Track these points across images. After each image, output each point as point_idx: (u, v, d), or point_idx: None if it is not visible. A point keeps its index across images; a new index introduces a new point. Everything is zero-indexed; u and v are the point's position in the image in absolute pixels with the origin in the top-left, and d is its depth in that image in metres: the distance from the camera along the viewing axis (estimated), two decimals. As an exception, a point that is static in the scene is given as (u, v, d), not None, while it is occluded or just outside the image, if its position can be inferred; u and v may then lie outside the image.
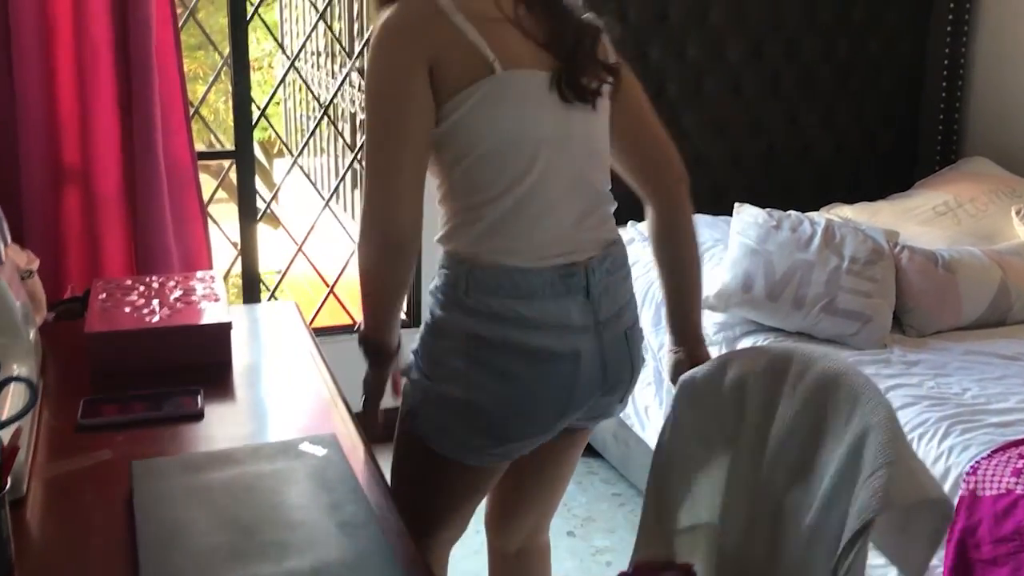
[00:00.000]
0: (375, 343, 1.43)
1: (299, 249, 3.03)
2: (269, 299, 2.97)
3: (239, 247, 2.85)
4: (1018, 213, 2.70)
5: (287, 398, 1.52)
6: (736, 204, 2.62)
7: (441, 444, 1.41)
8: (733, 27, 3.08)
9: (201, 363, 1.51)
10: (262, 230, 3.00)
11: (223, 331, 1.54)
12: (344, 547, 1.02)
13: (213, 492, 1.12)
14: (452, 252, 1.38)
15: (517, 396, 1.36)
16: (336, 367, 1.62)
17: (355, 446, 1.31)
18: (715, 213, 2.84)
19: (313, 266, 3.10)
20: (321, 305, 3.14)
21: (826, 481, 1.28)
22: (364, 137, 1.39)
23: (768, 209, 2.53)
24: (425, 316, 1.43)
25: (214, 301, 1.64)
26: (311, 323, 3.11)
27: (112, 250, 2.45)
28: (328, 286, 3.09)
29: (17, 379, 1.06)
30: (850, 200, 3.03)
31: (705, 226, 2.69)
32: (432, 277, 1.43)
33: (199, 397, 1.40)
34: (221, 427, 1.35)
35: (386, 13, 1.30)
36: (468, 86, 1.29)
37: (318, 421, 1.43)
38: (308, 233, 3.03)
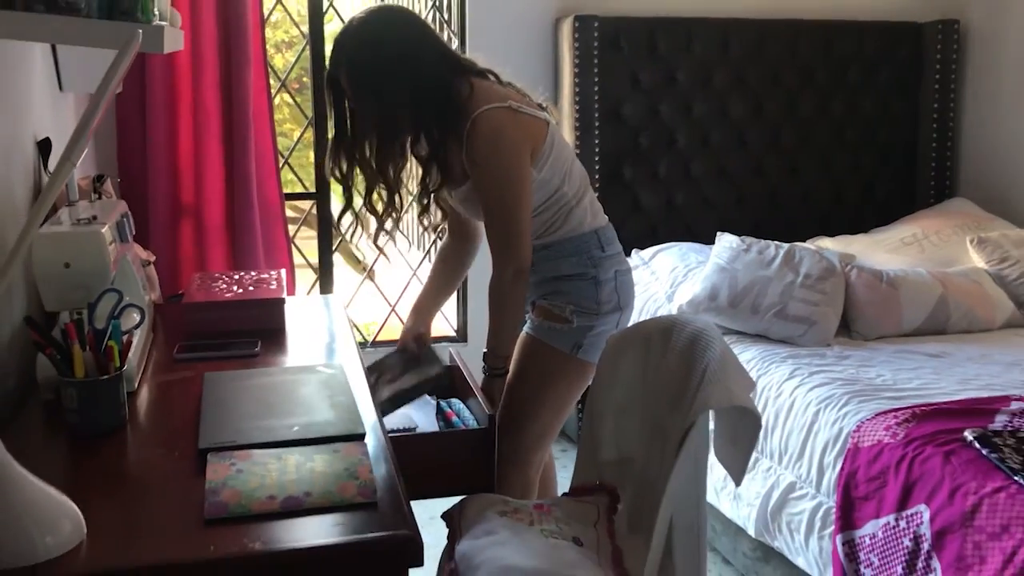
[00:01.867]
0: (504, 356, 2.03)
1: (392, 309, 3.66)
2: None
3: (317, 271, 3.50)
4: (971, 241, 3.09)
5: (320, 349, 2.11)
6: (718, 233, 3.11)
7: (596, 355, 1.99)
8: (735, 88, 3.60)
9: (262, 328, 2.12)
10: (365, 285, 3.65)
11: (278, 305, 2.15)
12: (328, 414, 1.59)
13: (252, 388, 1.71)
14: (574, 234, 2.05)
15: (632, 300, 2.13)
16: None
17: (356, 372, 1.88)
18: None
19: (378, 287, 3.73)
20: (384, 322, 3.75)
21: (684, 404, 1.78)
22: (493, 199, 1.96)
23: (743, 236, 3.02)
24: (579, 284, 2.05)
25: (276, 287, 2.26)
26: (377, 334, 3.73)
27: (217, 269, 3.14)
28: (390, 305, 3.71)
29: (131, 305, 1.68)
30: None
31: (695, 252, 3.19)
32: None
33: (257, 346, 2.00)
34: (271, 362, 1.95)
35: (489, 118, 1.91)
36: (544, 142, 1.97)
37: (337, 359, 2.01)
38: (400, 295, 3.66)
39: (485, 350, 2.05)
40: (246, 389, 1.71)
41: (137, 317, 1.68)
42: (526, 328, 2.13)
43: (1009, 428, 2.06)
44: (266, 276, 2.35)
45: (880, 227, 3.48)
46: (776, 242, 2.99)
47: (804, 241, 3.40)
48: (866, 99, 3.73)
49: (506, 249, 1.95)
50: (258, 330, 2.12)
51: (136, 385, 1.76)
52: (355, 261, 7.92)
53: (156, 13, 1.54)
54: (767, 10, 3.63)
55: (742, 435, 1.73)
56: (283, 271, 2.41)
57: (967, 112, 3.71)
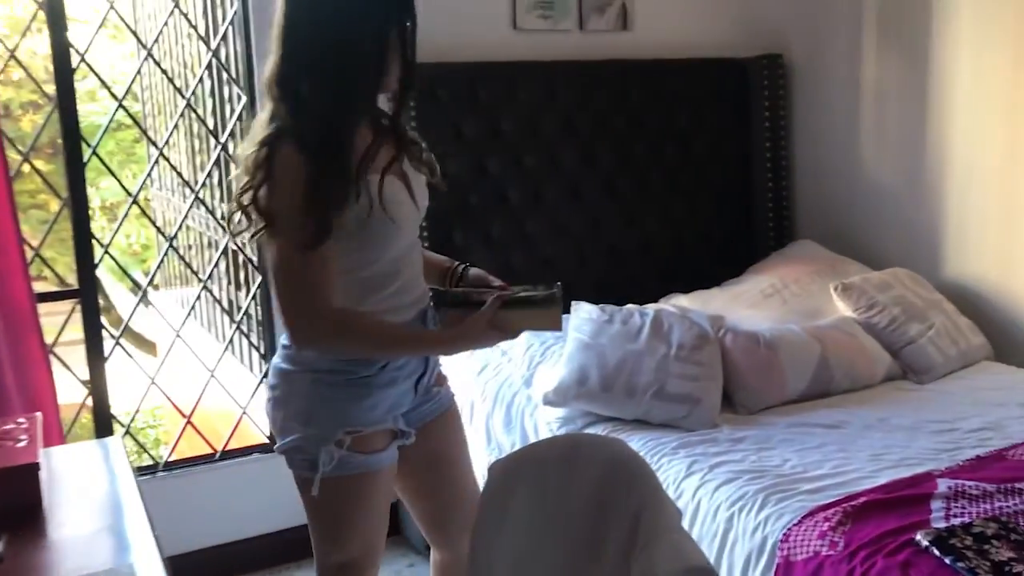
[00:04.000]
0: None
1: (152, 381, 3.02)
2: (124, 435, 2.93)
3: (89, 386, 2.82)
4: (835, 289, 2.89)
5: (101, 539, 1.51)
6: (573, 303, 2.74)
7: None
8: (565, 136, 3.27)
9: (7, 511, 1.50)
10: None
11: (29, 475, 1.54)
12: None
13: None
14: None
15: None
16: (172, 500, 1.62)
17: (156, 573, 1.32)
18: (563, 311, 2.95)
19: (168, 397, 3.09)
20: (179, 436, 3.11)
21: (610, 557, 1.35)
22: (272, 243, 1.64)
23: (601, 305, 2.66)
24: None
25: (27, 443, 1.63)
26: (171, 453, 3.08)
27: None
28: (184, 416, 3.07)
29: None
30: (689, 289, 3.20)
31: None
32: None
33: (1, 543, 1.39)
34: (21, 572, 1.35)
35: None
36: None
37: (120, 555, 1.43)
38: (163, 360, 3.02)
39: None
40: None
41: None
42: (443, 408, 1.92)
43: (961, 523, 1.77)
44: (10, 426, 1.72)
45: (732, 279, 3.23)
46: (638, 308, 2.65)
47: (656, 299, 3.10)
48: (698, 141, 3.51)
49: (283, 316, 1.70)
50: (1, 510, 1.51)
51: None
52: (144, 343, 7.09)
53: None
54: (592, 52, 3.33)
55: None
56: (38, 416, 1.78)
57: (798, 149, 3.57)
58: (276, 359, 1.77)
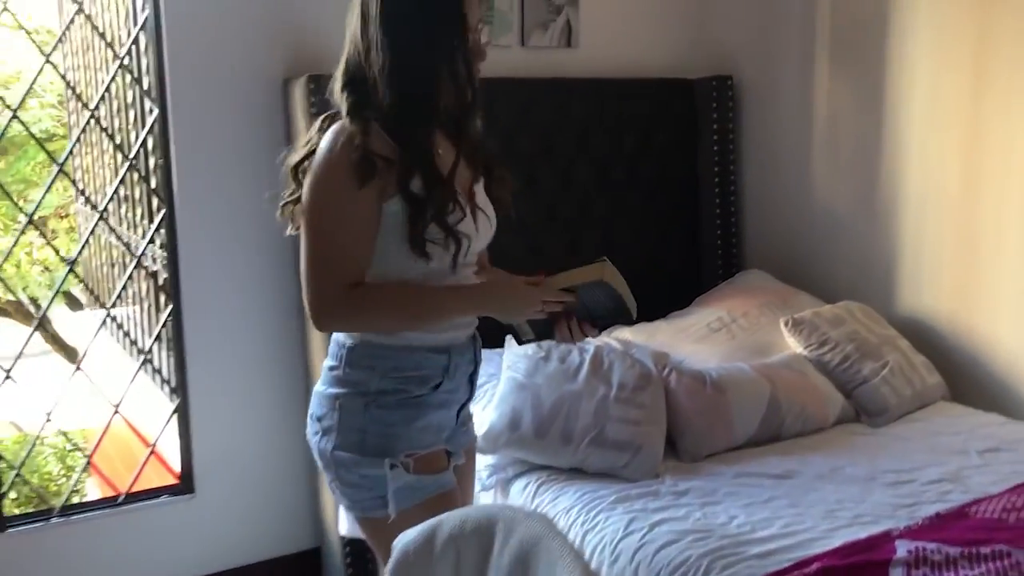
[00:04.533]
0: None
1: (48, 418, 2.75)
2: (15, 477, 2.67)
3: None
4: (786, 324, 2.73)
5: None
6: (507, 337, 2.54)
7: None
8: (506, 156, 3.07)
9: None
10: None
11: None
12: None
13: None
14: None
15: None
16: None
17: None
18: (496, 345, 2.76)
19: (65, 433, 2.82)
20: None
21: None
22: (307, 233, 1.63)
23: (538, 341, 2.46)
24: None
25: None
26: (67, 498, 2.81)
27: None
28: (86, 455, 2.81)
29: None
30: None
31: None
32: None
33: None
34: None
35: None
36: None
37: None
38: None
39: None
40: None
41: None
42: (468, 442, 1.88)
43: (923, 596, 1.60)
44: None
45: (678, 311, 3.06)
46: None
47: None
48: (644, 163, 3.34)
49: (308, 299, 1.65)
50: None
51: None
52: (63, 349, 6.74)
53: None
54: (534, 69, 3.16)
55: None
56: None
57: (748, 175, 3.42)
58: (321, 385, 1.68)
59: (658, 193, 3.38)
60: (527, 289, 1.64)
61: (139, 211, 3.89)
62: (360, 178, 1.50)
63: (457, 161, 1.59)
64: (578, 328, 1.70)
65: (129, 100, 3.77)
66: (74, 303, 7.45)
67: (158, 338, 3.12)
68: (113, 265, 5.32)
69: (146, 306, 4.22)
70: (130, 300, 4.15)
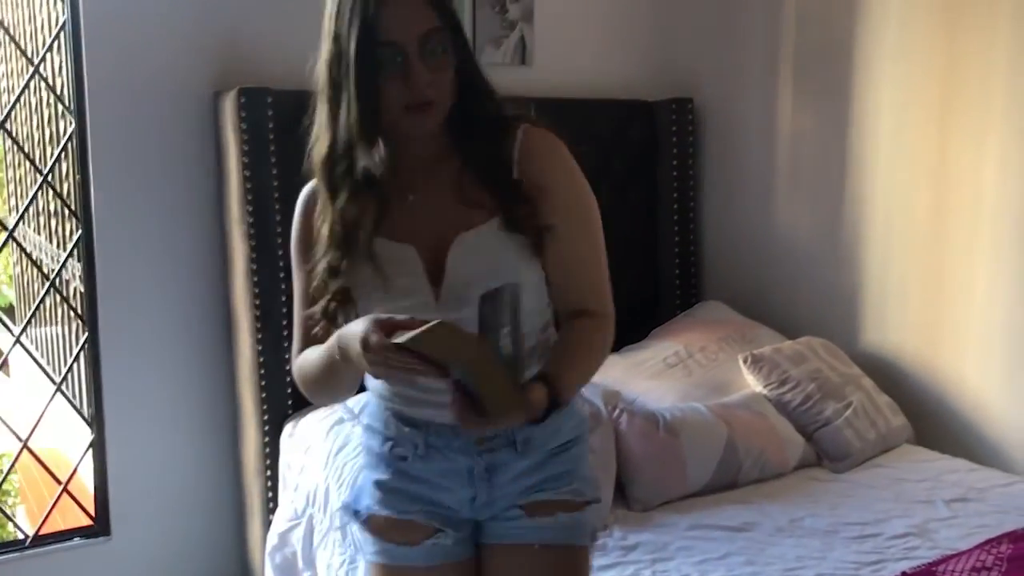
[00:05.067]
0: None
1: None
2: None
3: None
4: (745, 361, 2.59)
5: None
6: (451, 372, 2.37)
7: None
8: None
9: None
10: None
11: None
12: None
13: None
14: None
15: None
16: None
17: None
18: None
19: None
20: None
21: None
22: (592, 228, 1.52)
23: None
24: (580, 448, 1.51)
25: None
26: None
27: None
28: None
29: None
30: (587, 354, 2.86)
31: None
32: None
33: None
34: None
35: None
36: None
37: None
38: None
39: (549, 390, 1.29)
40: None
41: None
42: (522, 539, 1.42)
43: None
44: None
45: (632, 344, 2.90)
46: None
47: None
48: (601, 187, 3.15)
49: (610, 307, 1.51)
50: None
51: None
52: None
53: None
54: (485, 85, 3.00)
55: None
56: None
57: (707, 201, 3.29)
58: None
59: (615, 219, 3.17)
60: (357, 340, 1.22)
61: (68, 226, 3.67)
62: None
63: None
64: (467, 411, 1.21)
65: (46, 112, 3.57)
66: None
67: (77, 361, 2.90)
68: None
69: (66, 329, 4.00)
70: (56, 320, 3.92)
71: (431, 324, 1.12)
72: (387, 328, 1.19)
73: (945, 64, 2.53)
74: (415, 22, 1.26)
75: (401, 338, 1.15)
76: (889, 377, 2.67)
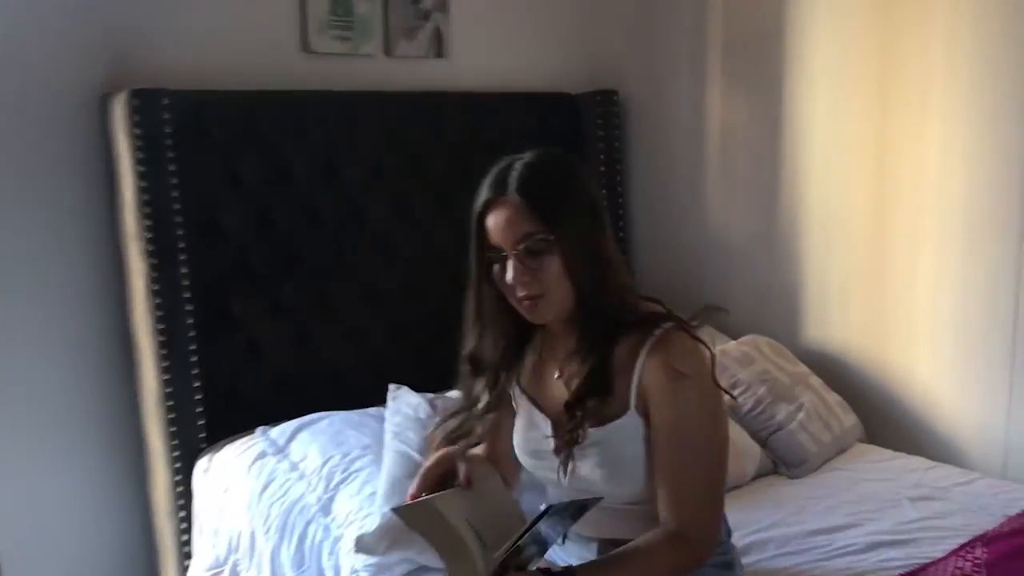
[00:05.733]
0: None
1: None
2: None
3: None
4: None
5: None
6: (391, 387, 2.19)
7: None
8: (372, 180, 2.71)
9: None
10: None
11: None
12: None
13: None
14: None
15: None
16: None
17: None
18: (369, 404, 2.38)
19: None
20: None
21: None
22: (700, 441, 1.47)
23: (429, 395, 2.13)
24: None
25: None
26: None
27: None
28: None
29: None
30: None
31: (355, 427, 2.20)
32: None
33: None
34: None
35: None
36: None
37: None
38: None
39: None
40: None
41: None
42: None
43: None
44: None
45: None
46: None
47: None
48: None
49: (704, 524, 1.47)
50: None
51: None
52: None
53: None
54: (401, 81, 2.80)
55: None
56: None
57: (637, 197, 3.17)
58: None
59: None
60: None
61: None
62: None
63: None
64: None
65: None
66: None
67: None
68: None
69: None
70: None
71: (420, 501, 1.28)
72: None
73: (881, 47, 2.46)
74: (513, 228, 1.45)
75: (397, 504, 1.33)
76: (835, 374, 2.60)
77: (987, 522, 1.98)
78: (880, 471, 2.29)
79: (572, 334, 1.54)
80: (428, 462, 1.52)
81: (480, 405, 1.62)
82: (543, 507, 1.39)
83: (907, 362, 2.49)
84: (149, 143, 2.26)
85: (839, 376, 2.60)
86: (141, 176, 2.26)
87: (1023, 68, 2.18)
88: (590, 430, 1.47)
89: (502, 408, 1.65)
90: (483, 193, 1.52)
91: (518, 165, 1.52)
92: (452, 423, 1.68)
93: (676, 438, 1.45)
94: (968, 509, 2.06)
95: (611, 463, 1.48)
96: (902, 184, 2.45)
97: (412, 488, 1.48)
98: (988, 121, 2.26)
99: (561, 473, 1.51)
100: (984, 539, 1.90)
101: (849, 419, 2.47)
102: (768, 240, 2.78)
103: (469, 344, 1.60)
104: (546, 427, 1.57)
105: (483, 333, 1.58)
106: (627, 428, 1.47)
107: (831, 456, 2.37)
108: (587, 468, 1.49)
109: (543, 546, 1.35)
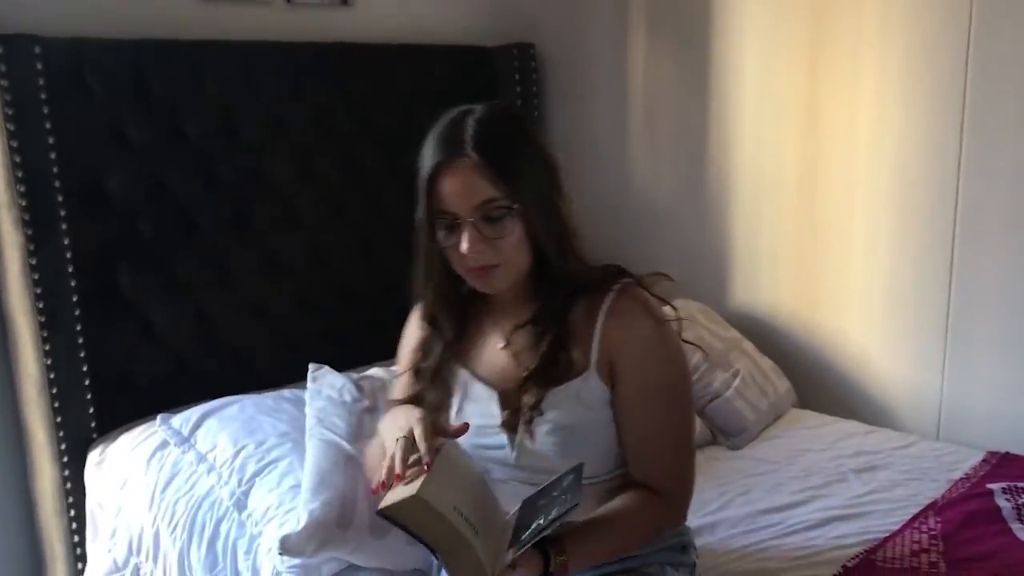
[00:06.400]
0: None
1: None
2: None
3: None
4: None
5: None
6: (311, 367, 2.00)
7: None
8: (273, 139, 2.48)
9: None
10: None
11: None
12: None
13: None
14: None
15: None
16: None
17: None
18: (278, 385, 2.19)
19: None
20: None
21: None
22: (664, 407, 1.40)
23: (353, 374, 1.95)
24: None
25: None
26: None
27: None
28: None
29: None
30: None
31: (268, 413, 1.99)
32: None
33: None
34: None
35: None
36: None
37: None
38: None
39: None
40: None
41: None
42: None
43: None
44: None
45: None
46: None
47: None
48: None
49: (683, 480, 1.42)
50: None
51: None
52: None
53: None
54: (302, 31, 2.57)
55: None
56: None
57: (557, 156, 3.01)
58: None
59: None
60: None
61: None
62: None
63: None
64: None
65: None
66: None
67: None
68: None
69: None
70: None
71: (409, 496, 1.14)
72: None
73: (813, 5, 2.38)
74: (471, 193, 1.31)
75: (383, 504, 1.18)
76: (766, 339, 2.54)
77: (933, 488, 1.95)
78: (818, 439, 2.24)
79: (524, 303, 1.43)
80: (417, 429, 1.28)
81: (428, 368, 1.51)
82: (544, 485, 1.25)
83: (839, 325, 2.45)
84: (20, 98, 1.99)
85: (770, 340, 2.54)
86: (11, 135, 1.99)
87: (957, 30, 2.12)
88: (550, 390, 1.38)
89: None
90: (433, 153, 1.35)
91: (471, 121, 1.35)
92: (409, 390, 1.54)
93: (649, 395, 1.38)
94: (913, 477, 2.02)
95: (564, 429, 1.36)
96: (834, 145, 2.39)
97: (425, 460, 1.23)
98: (921, 82, 2.20)
99: (509, 448, 1.39)
100: (935, 508, 1.87)
101: (783, 384, 2.42)
102: (696, 201, 2.69)
103: (427, 306, 1.51)
104: (490, 400, 1.43)
105: (435, 298, 1.48)
106: (585, 389, 1.37)
107: (768, 423, 2.31)
108: (538, 438, 1.37)
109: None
